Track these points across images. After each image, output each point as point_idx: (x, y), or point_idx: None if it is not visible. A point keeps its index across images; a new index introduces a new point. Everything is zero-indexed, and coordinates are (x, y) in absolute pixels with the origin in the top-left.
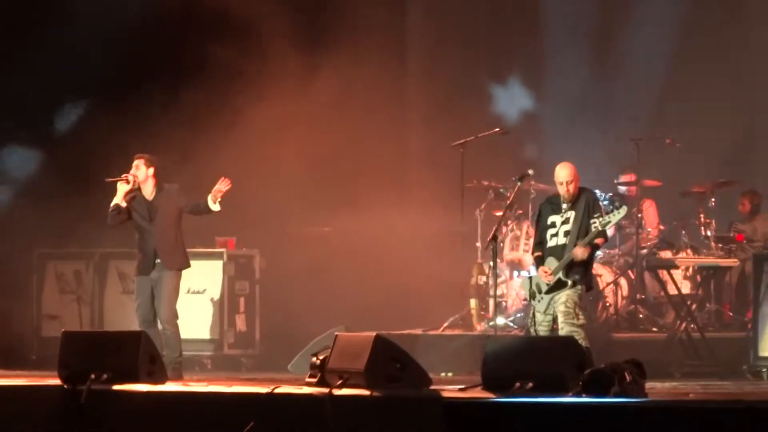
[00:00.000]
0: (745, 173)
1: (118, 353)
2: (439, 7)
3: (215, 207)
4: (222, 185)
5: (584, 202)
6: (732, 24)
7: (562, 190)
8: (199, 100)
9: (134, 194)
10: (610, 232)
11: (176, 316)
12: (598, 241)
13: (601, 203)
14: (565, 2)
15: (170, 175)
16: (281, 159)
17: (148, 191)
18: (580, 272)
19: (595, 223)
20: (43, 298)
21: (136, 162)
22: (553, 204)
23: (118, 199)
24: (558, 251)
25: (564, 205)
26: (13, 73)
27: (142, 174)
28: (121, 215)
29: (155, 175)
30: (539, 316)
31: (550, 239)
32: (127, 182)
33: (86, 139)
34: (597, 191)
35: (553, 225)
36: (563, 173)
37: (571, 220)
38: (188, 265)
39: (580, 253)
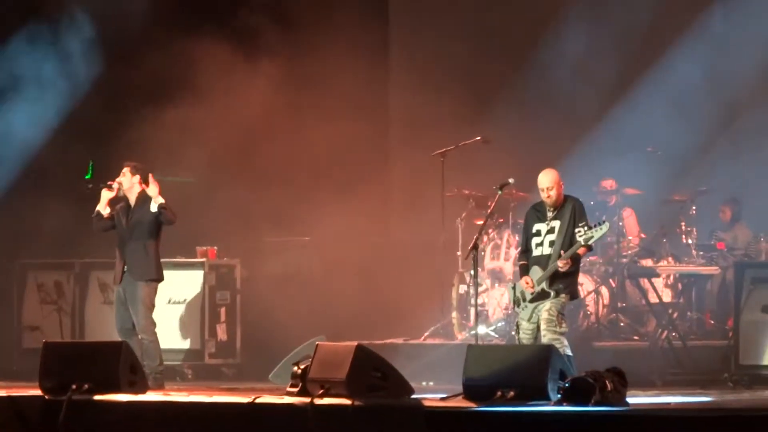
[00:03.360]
0: (726, 181)
1: (99, 363)
2: (421, 14)
3: (154, 207)
4: (151, 187)
5: (569, 211)
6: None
7: (543, 196)
8: (180, 113)
9: (121, 202)
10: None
11: (153, 325)
12: (581, 251)
13: (586, 212)
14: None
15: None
16: (262, 168)
17: (133, 199)
18: (563, 282)
19: (580, 232)
20: (24, 309)
21: (123, 169)
22: (538, 212)
23: (101, 206)
24: (543, 261)
25: (549, 213)
26: None
27: (126, 181)
28: (102, 222)
29: (141, 182)
30: (523, 324)
31: (535, 248)
32: (110, 189)
33: (66, 146)
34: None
35: (538, 233)
36: (544, 180)
37: (556, 230)
38: (159, 278)
39: (562, 265)
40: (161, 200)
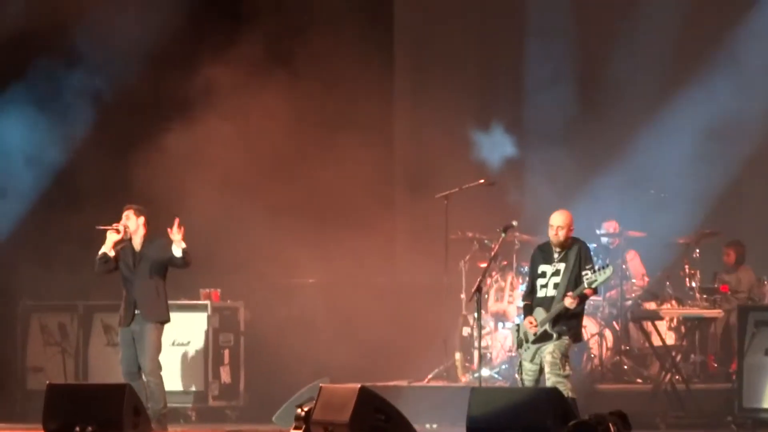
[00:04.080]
0: (730, 224)
1: (102, 405)
2: (425, 55)
3: (178, 252)
4: (175, 230)
5: (575, 254)
6: (722, 63)
7: (551, 233)
8: (184, 150)
9: (123, 244)
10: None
11: (160, 368)
12: (587, 292)
13: (592, 256)
14: (549, 50)
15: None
16: (266, 211)
17: (137, 241)
18: (567, 324)
19: (586, 275)
20: (28, 350)
21: (126, 212)
22: (544, 252)
23: (107, 248)
24: (546, 302)
25: (555, 255)
26: None
27: (132, 224)
28: (108, 264)
29: (145, 224)
30: (526, 365)
31: (540, 290)
32: (118, 232)
33: (71, 188)
34: None
35: (543, 275)
36: (558, 219)
37: (562, 272)
38: (168, 319)
39: (569, 302)
40: (184, 245)
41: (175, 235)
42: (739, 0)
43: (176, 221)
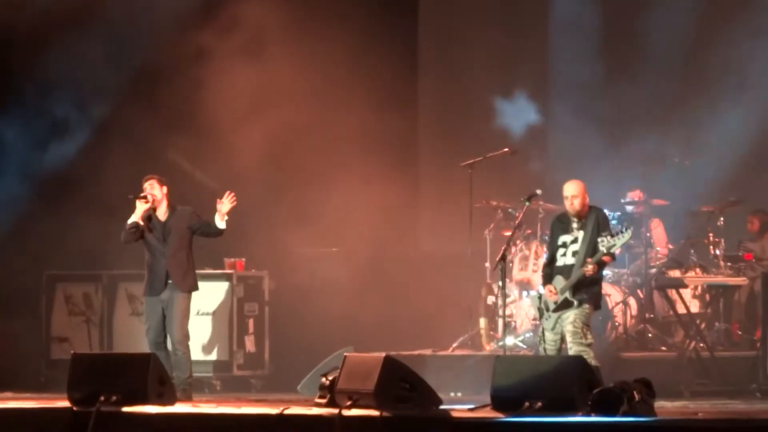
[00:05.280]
0: (754, 193)
1: (127, 375)
2: (449, 23)
3: (221, 224)
4: (226, 202)
5: (593, 222)
6: (744, 36)
7: (567, 204)
8: (207, 119)
9: (149, 214)
10: (617, 251)
11: (188, 338)
12: (606, 259)
13: (610, 223)
14: (574, 15)
15: (183, 197)
16: (290, 179)
17: (162, 211)
18: (587, 292)
19: (603, 241)
20: (53, 320)
21: (149, 182)
22: (562, 223)
23: (137, 217)
24: (566, 270)
25: (573, 225)
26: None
27: (158, 193)
28: (136, 233)
29: (167, 194)
30: (547, 335)
31: (559, 258)
32: (147, 201)
33: (95, 161)
34: (605, 210)
35: (564, 245)
36: (570, 188)
37: (580, 240)
38: (197, 288)
39: (588, 269)
40: (227, 217)
41: (225, 206)
42: None
43: (231, 195)
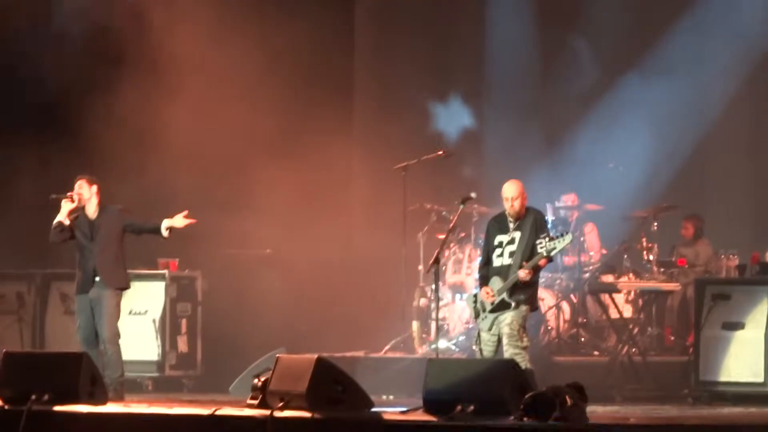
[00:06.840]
0: (689, 198)
1: (59, 374)
2: (385, 26)
3: (165, 233)
4: (183, 220)
5: (530, 223)
6: (683, 33)
7: (507, 206)
8: (139, 118)
9: (77, 213)
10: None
11: (118, 336)
12: (542, 262)
13: (547, 225)
14: (508, 21)
15: (114, 195)
16: (223, 181)
17: (91, 210)
18: (524, 293)
19: (541, 244)
20: None
21: (78, 182)
22: (499, 223)
23: (62, 217)
24: (503, 271)
25: (510, 225)
26: None
27: (86, 193)
28: (63, 233)
29: (98, 193)
30: (484, 335)
31: (495, 259)
32: (72, 201)
33: (23, 158)
34: None
35: (500, 245)
36: (509, 189)
37: (517, 241)
38: (128, 286)
39: (523, 275)
40: (166, 235)
41: (180, 222)
42: None
43: (188, 219)
